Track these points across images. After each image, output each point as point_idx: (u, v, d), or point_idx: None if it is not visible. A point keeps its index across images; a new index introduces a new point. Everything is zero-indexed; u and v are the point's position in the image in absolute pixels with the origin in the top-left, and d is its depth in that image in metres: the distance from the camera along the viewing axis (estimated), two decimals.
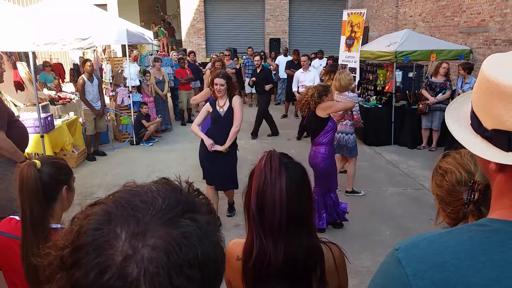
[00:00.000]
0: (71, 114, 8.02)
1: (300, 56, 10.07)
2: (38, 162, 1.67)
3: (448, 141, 7.64)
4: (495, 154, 0.78)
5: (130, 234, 0.56)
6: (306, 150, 8.06)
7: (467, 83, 7.79)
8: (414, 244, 0.81)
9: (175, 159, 7.74)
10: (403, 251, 0.81)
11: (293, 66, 11.43)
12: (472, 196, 1.28)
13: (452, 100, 6.89)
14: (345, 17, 9.51)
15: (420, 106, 8.11)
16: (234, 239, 1.64)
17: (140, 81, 9.09)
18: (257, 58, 10.15)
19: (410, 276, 0.76)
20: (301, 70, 9.41)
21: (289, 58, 12.59)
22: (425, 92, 8.11)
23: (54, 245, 0.62)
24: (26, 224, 1.59)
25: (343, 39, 9.54)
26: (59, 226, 1.70)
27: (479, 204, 1.28)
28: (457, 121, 0.89)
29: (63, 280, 0.58)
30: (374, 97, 9.21)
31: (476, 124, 0.83)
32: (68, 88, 10.24)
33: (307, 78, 9.11)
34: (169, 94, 10.60)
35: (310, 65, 10.05)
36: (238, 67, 12.70)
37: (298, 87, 9.17)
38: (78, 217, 0.63)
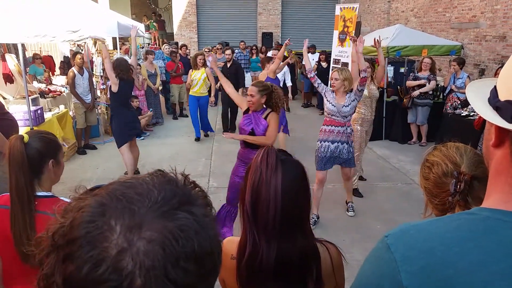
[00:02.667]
0: (61, 107, 7.94)
1: (272, 51, 9.80)
2: (26, 136, 1.76)
3: (439, 137, 7.71)
4: (498, 120, 0.78)
5: (125, 227, 0.55)
6: (296, 144, 8.11)
7: (459, 78, 7.86)
8: (403, 231, 0.83)
9: (167, 153, 7.72)
10: (392, 238, 0.83)
11: None
12: (458, 186, 1.30)
13: (440, 93, 6.86)
14: (337, 11, 9.51)
15: (405, 100, 8.20)
16: (229, 237, 1.60)
17: None
18: (228, 52, 9.28)
19: (399, 261, 0.78)
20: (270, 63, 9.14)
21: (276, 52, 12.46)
22: (410, 82, 8.20)
23: (45, 230, 0.62)
24: (12, 193, 1.71)
25: (335, 33, 9.54)
26: (48, 194, 1.81)
27: (465, 194, 1.30)
28: (476, 95, 0.89)
29: (52, 262, 0.57)
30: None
31: (492, 96, 0.83)
32: (58, 81, 10.13)
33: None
34: (160, 88, 10.53)
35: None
36: None
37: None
38: (70, 207, 0.62)
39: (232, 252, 1.48)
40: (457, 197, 1.31)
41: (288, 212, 1.38)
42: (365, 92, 5.44)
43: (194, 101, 8.69)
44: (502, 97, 0.80)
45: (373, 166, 7.12)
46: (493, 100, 0.82)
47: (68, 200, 1.89)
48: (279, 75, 8.69)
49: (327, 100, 4.77)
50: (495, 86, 0.84)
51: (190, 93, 8.69)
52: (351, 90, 4.78)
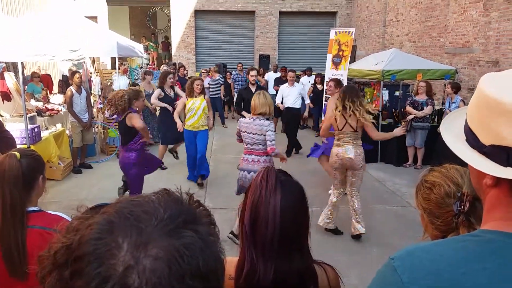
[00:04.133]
0: (58, 125, 7.95)
1: (288, 72, 10.03)
2: (18, 154, 1.86)
3: (434, 160, 7.75)
4: (495, 169, 0.81)
5: (132, 245, 0.56)
6: (294, 165, 8.12)
7: (453, 102, 7.95)
8: (409, 253, 0.85)
9: (164, 172, 7.70)
10: (399, 260, 0.84)
11: (281, 82, 11.52)
12: (462, 207, 1.31)
13: (435, 116, 6.76)
14: (332, 35, 9.69)
15: (403, 124, 8.25)
16: (227, 257, 1.61)
17: None
18: (253, 73, 8.38)
19: (406, 283, 0.79)
20: (286, 84, 9.30)
21: (278, 74, 12.73)
22: (409, 108, 8.27)
23: (47, 249, 0.63)
24: (6, 210, 1.76)
25: (329, 57, 9.70)
26: (35, 208, 1.90)
27: (468, 214, 1.32)
28: (453, 136, 0.92)
29: (53, 281, 0.58)
30: None
31: (473, 140, 0.85)
32: (56, 99, 10.17)
33: (292, 93, 9.00)
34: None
35: (298, 81, 9.96)
36: (229, 82, 12.88)
37: (282, 101, 9.02)
38: (72, 227, 0.63)
39: (230, 272, 1.48)
40: (462, 218, 1.33)
41: (286, 232, 1.39)
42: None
43: (191, 137, 6.90)
44: (486, 141, 0.82)
45: (368, 189, 7.11)
46: (476, 144, 0.84)
47: (54, 213, 1.93)
48: (296, 92, 8.93)
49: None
50: (470, 128, 0.86)
51: (186, 126, 6.89)
52: (267, 119, 4.61)
